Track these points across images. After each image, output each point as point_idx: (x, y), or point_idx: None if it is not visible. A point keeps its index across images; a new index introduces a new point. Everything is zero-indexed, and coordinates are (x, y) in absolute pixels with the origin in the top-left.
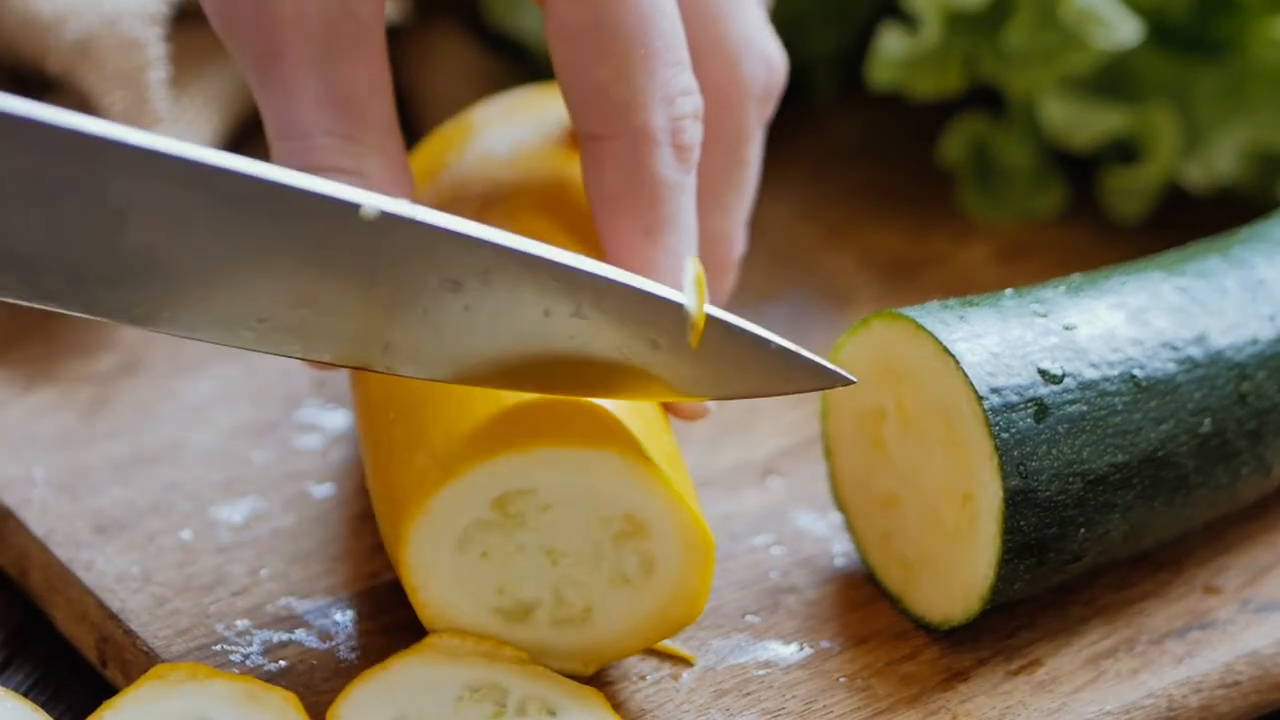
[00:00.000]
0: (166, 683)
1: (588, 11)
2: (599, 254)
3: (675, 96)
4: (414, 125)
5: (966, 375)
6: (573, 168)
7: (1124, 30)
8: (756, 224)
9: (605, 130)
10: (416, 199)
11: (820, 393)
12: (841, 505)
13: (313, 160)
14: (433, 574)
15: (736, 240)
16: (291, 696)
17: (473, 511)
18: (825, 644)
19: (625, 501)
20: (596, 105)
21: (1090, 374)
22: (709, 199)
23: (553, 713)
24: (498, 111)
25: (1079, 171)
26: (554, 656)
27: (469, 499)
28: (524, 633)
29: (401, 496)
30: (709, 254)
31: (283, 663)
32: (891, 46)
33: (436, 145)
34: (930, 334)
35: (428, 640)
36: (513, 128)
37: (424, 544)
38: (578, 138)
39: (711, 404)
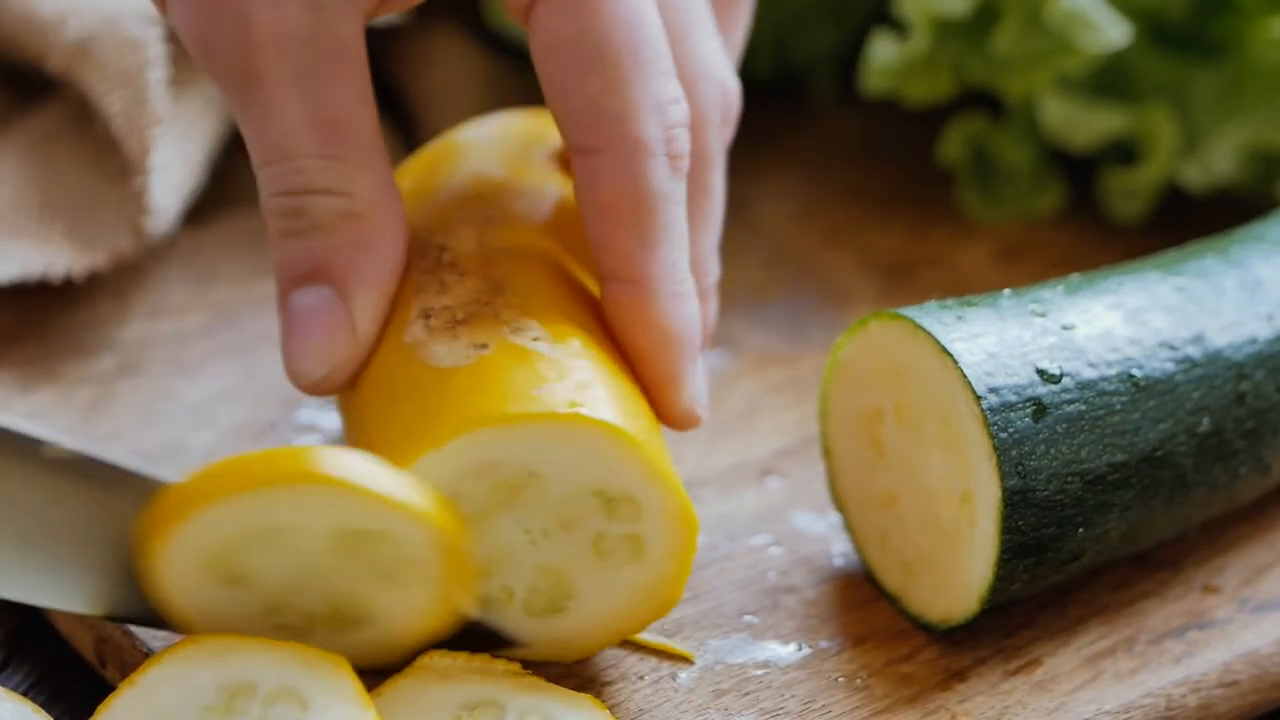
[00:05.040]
0: (207, 649)
1: (574, 26)
2: (594, 270)
3: (667, 105)
4: (414, 126)
5: (965, 375)
6: (566, 188)
7: (1112, 32)
8: (756, 224)
9: (599, 142)
10: (408, 218)
11: (819, 392)
12: (840, 505)
13: (300, 183)
14: None
15: (710, 266)
16: (343, 660)
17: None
18: (824, 644)
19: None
20: (589, 118)
21: (1088, 374)
22: None
23: None
24: (484, 133)
25: (1078, 171)
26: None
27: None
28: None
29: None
30: None
31: None
32: (882, 54)
33: (423, 166)
34: (928, 334)
35: (419, 662)
36: (503, 148)
37: None
38: (569, 153)
39: (703, 413)
